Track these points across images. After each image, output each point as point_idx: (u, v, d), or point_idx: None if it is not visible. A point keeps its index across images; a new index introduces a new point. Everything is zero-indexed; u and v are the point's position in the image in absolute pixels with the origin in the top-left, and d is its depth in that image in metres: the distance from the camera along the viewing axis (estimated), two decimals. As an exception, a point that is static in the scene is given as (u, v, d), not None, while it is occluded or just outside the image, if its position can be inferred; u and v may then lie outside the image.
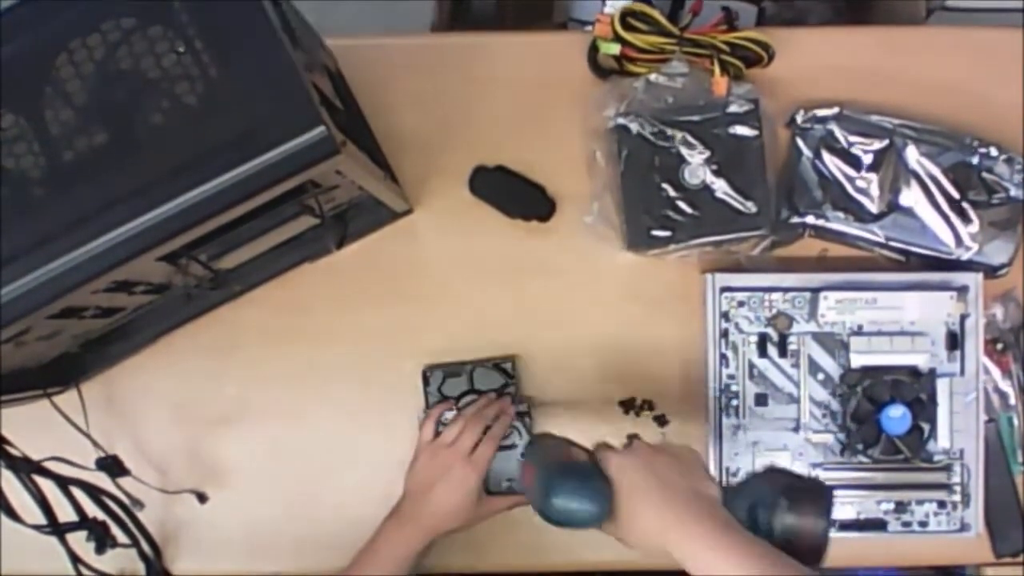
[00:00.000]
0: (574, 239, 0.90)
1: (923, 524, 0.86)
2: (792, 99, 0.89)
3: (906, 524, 0.86)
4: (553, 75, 0.91)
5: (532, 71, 0.92)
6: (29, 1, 0.57)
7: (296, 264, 0.89)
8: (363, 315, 0.90)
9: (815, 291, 0.85)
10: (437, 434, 0.84)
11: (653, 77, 0.86)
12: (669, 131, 0.85)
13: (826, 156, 0.87)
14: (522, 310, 0.90)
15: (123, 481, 0.82)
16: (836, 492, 0.85)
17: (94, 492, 0.77)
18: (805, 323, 0.86)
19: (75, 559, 0.77)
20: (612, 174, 0.87)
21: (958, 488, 0.85)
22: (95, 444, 0.81)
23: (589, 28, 0.88)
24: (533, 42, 0.94)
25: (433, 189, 0.91)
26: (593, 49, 0.89)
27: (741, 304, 0.86)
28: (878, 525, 0.86)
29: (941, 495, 0.85)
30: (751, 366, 0.86)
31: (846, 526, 0.86)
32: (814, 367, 0.86)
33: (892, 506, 0.86)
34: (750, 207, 0.85)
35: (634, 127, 0.86)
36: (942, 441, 0.85)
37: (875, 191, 0.87)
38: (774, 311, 0.86)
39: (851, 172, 0.87)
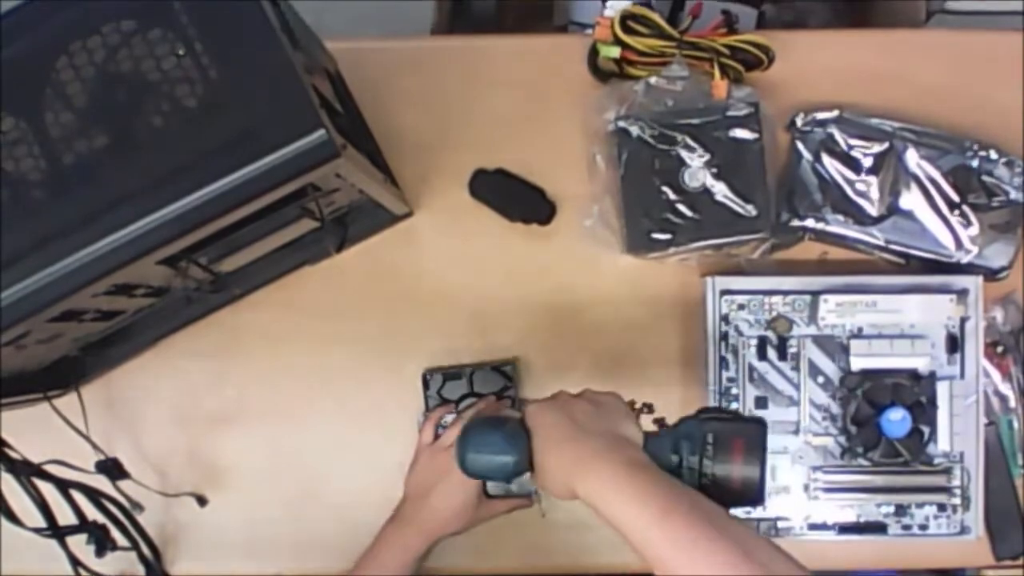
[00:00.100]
0: (574, 242, 0.90)
1: (923, 527, 0.86)
2: (792, 102, 0.90)
3: (906, 527, 0.86)
4: (553, 78, 0.91)
5: (532, 74, 0.92)
6: (29, 3, 0.57)
7: (296, 267, 0.89)
8: (363, 318, 0.90)
9: (815, 294, 0.85)
10: (437, 437, 0.84)
11: (653, 80, 0.86)
12: (669, 134, 0.85)
13: (826, 159, 0.87)
14: (522, 313, 0.90)
15: (123, 484, 0.82)
16: (836, 495, 0.85)
17: (94, 495, 0.77)
18: (805, 326, 0.86)
19: (75, 562, 0.77)
20: (612, 177, 0.87)
21: (958, 491, 0.85)
22: (95, 447, 0.81)
23: (589, 31, 0.88)
24: (533, 45, 0.94)
25: (433, 192, 0.91)
26: (593, 52, 0.89)
27: (741, 307, 0.86)
28: (878, 528, 0.86)
29: (941, 498, 0.85)
30: (751, 369, 0.86)
31: (846, 529, 0.86)
32: (814, 370, 0.86)
33: (892, 509, 0.86)
34: (750, 210, 0.85)
35: (634, 130, 0.86)
36: (942, 444, 0.85)
37: (875, 194, 0.87)
38: (774, 314, 0.86)
39: (851, 175, 0.87)
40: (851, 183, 0.87)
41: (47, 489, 0.73)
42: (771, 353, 0.86)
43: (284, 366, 0.90)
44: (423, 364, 0.89)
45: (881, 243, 0.87)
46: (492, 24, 1.47)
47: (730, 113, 0.85)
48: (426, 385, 0.88)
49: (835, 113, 0.88)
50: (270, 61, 0.56)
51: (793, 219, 0.88)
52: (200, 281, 0.74)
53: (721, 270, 0.88)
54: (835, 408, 0.85)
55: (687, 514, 0.53)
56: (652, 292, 0.90)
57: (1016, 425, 0.89)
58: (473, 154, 0.91)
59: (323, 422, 0.90)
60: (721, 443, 0.60)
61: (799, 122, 0.89)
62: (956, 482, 0.85)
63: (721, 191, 0.85)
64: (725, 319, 0.86)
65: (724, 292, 0.86)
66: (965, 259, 0.86)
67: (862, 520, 0.86)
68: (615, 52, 0.86)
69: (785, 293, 0.86)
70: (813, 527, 0.86)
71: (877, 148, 0.87)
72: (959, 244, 0.86)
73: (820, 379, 0.86)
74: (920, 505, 0.86)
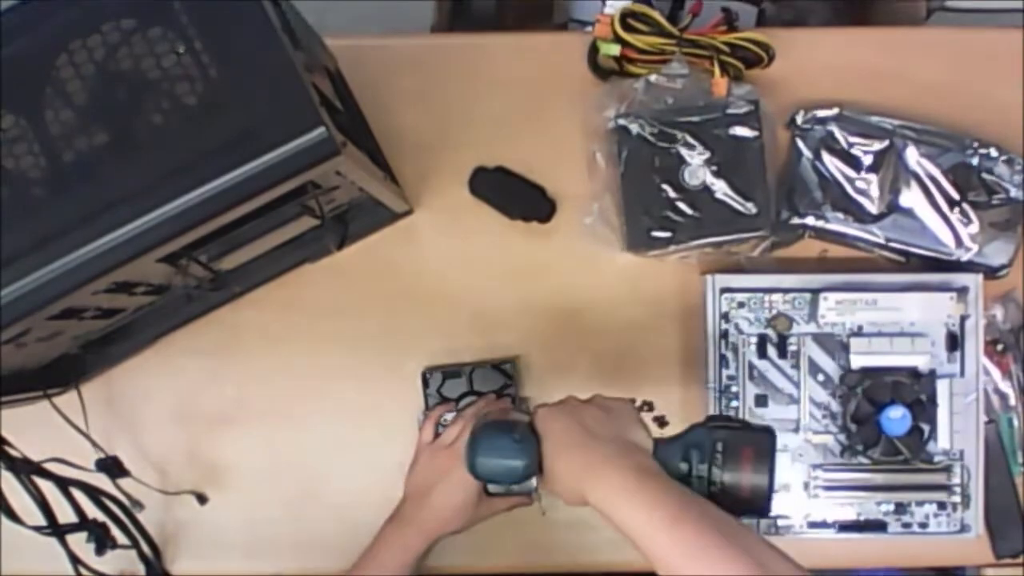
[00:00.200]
0: (574, 240, 0.90)
1: (923, 525, 0.86)
2: (792, 100, 0.90)
3: (906, 525, 0.86)
4: (553, 76, 0.91)
5: (532, 72, 0.92)
6: (29, 1, 0.57)
7: (296, 265, 0.89)
8: (363, 316, 0.90)
9: (815, 292, 0.85)
10: (437, 435, 0.84)
11: (653, 78, 0.86)
12: (669, 132, 0.85)
13: (826, 157, 0.87)
14: (522, 311, 0.90)
15: (123, 482, 0.82)
16: (837, 493, 0.85)
17: (94, 493, 0.77)
18: (805, 324, 0.86)
19: (75, 560, 0.77)
20: (612, 175, 0.87)
21: (958, 489, 0.85)
22: (95, 445, 0.81)
23: (589, 29, 0.88)
24: (533, 43, 0.94)
25: (433, 190, 0.91)
26: (593, 50, 0.89)
27: (741, 305, 0.86)
28: (878, 526, 0.86)
29: (941, 496, 0.85)
30: (751, 367, 0.86)
31: (846, 527, 0.86)
32: (814, 368, 0.86)
33: (892, 507, 0.86)
34: (750, 208, 0.85)
35: (634, 128, 0.86)
36: (942, 442, 0.85)
37: (875, 192, 0.87)
38: (774, 312, 0.86)
39: (851, 173, 0.87)
40: (851, 181, 0.87)
41: (47, 487, 0.73)
42: (771, 351, 0.86)
43: (284, 364, 0.90)
44: (423, 362, 0.89)
45: (881, 241, 0.87)
46: (492, 22, 1.47)
47: (730, 111, 0.85)
48: (426, 384, 0.88)
49: (835, 111, 0.88)
50: (270, 59, 0.56)
51: (793, 217, 0.88)
52: (200, 279, 0.74)
53: (721, 268, 0.88)
54: (835, 406, 0.85)
55: (697, 522, 0.54)
56: (652, 290, 0.90)
57: (1016, 423, 0.89)
58: (473, 152, 0.91)
59: (323, 421, 0.90)
60: (730, 451, 0.61)
61: (799, 120, 0.89)
62: (956, 480, 0.85)
63: (721, 189, 0.85)
64: (725, 317, 0.86)
65: (724, 290, 0.86)
66: (965, 257, 0.86)
67: (862, 518, 0.86)
68: (615, 50, 0.86)
69: (785, 291, 0.86)
70: (813, 525, 0.86)
71: (877, 146, 0.87)
72: (959, 242, 0.86)
73: (820, 377, 0.86)
74: (920, 503, 0.86)
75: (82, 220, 0.56)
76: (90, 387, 0.87)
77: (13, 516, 0.70)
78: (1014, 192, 0.86)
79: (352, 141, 0.63)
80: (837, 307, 0.85)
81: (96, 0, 0.57)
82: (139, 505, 0.84)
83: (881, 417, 0.82)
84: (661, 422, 0.90)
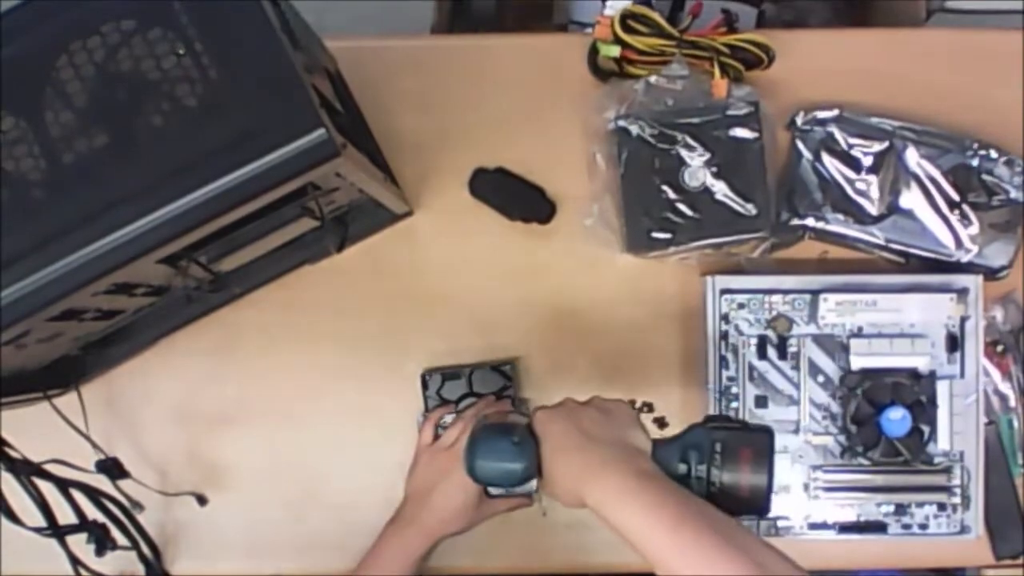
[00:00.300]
0: (574, 241, 0.90)
1: (923, 526, 0.86)
2: (792, 101, 0.90)
3: (906, 526, 0.86)
4: (553, 77, 0.91)
5: (532, 73, 0.92)
6: (29, 3, 0.57)
7: (296, 266, 0.89)
8: (363, 317, 0.90)
9: (815, 293, 0.85)
10: (436, 437, 0.84)
11: (653, 79, 0.86)
12: (669, 133, 0.85)
13: (826, 158, 0.87)
14: (522, 312, 0.90)
15: (123, 483, 0.82)
16: (837, 494, 0.85)
17: (94, 494, 0.77)
18: (805, 325, 0.86)
19: (75, 561, 0.77)
20: (612, 176, 0.87)
21: (958, 490, 0.85)
22: (95, 446, 0.81)
23: (589, 30, 0.88)
24: (533, 44, 0.94)
25: (433, 191, 0.91)
26: (593, 51, 0.89)
27: (741, 306, 0.86)
28: (878, 527, 0.86)
29: (941, 497, 0.85)
30: (751, 368, 0.86)
31: (846, 528, 0.86)
32: (814, 369, 0.86)
33: (892, 508, 0.86)
34: (750, 209, 0.85)
35: (634, 129, 0.86)
36: (942, 443, 0.85)
37: (875, 193, 0.87)
38: (774, 313, 0.86)
39: (851, 174, 0.87)
40: (851, 182, 0.87)
41: (47, 488, 0.73)
42: (771, 352, 0.86)
43: (284, 365, 0.90)
44: (423, 363, 0.89)
45: (881, 242, 0.87)
46: (492, 23, 1.47)
47: (730, 112, 0.85)
48: (425, 385, 0.88)
49: (835, 112, 0.88)
50: (270, 60, 0.56)
51: (793, 218, 0.88)
52: (200, 280, 0.74)
53: (721, 269, 0.88)
54: (835, 407, 0.85)
55: (695, 523, 0.54)
56: (652, 291, 0.90)
57: (1016, 424, 0.89)
58: (473, 153, 0.91)
59: (323, 421, 0.90)
60: (729, 452, 0.61)
61: (799, 121, 0.89)
62: (956, 481, 0.85)
63: (721, 190, 0.85)
64: (725, 318, 0.86)
65: (724, 291, 0.86)
66: (965, 258, 0.86)
67: (862, 519, 0.86)
68: (615, 51, 0.86)
69: (785, 292, 0.86)
70: (813, 526, 0.86)
71: (877, 147, 0.87)
72: (959, 243, 0.86)
73: (820, 378, 0.86)
74: (920, 504, 0.86)
75: (82, 221, 0.56)
76: (90, 388, 0.87)
77: (13, 517, 0.70)
78: (1014, 193, 0.86)
79: (352, 142, 0.63)
80: (837, 308, 0.85)
81: (96, 1, 0.57)
82: (139, 506, 0.84)
83: (881, 418, 0.82)
84: (661, 423, 0.90)
